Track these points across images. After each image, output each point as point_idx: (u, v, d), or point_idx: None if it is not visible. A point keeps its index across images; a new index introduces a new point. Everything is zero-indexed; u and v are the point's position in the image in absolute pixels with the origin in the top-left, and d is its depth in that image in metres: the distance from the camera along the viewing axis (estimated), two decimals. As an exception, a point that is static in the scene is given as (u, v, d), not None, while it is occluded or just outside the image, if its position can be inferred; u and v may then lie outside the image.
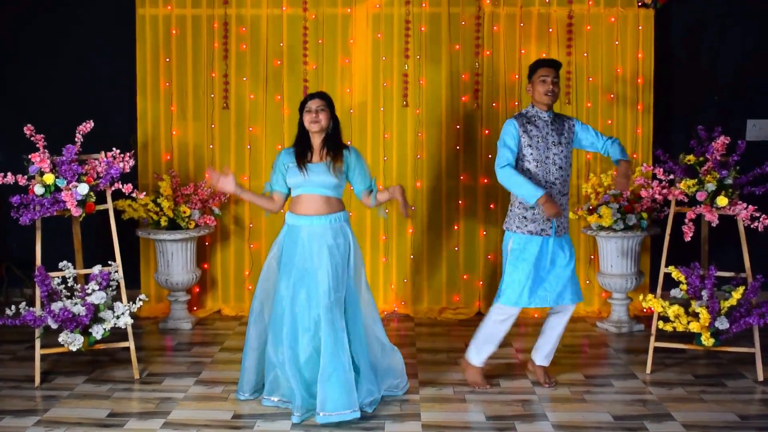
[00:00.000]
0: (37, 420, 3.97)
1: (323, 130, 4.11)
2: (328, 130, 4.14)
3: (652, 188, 4.99)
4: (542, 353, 4.47)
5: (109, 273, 4.58)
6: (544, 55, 5.83)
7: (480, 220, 5.98)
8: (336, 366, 3.90)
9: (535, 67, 4.35)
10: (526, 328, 5.66)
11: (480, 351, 4.41)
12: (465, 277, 6.01)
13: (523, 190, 4.11)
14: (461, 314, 5.96)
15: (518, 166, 4.25)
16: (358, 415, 3.91)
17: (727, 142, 4.66)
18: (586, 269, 5.99)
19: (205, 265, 6.03)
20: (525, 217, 4.25)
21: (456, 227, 5.97)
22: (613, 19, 5.84)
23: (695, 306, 4.54)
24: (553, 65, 4.32)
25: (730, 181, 4.67)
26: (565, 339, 5.36)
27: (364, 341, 4.17)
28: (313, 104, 4.10)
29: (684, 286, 4.62)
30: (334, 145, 4.13)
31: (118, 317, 4.52)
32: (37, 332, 4.48)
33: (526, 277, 4.20)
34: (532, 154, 4.23)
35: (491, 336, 4.37)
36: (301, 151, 4.12)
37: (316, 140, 4.14)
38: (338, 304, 4.00)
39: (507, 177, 4.15)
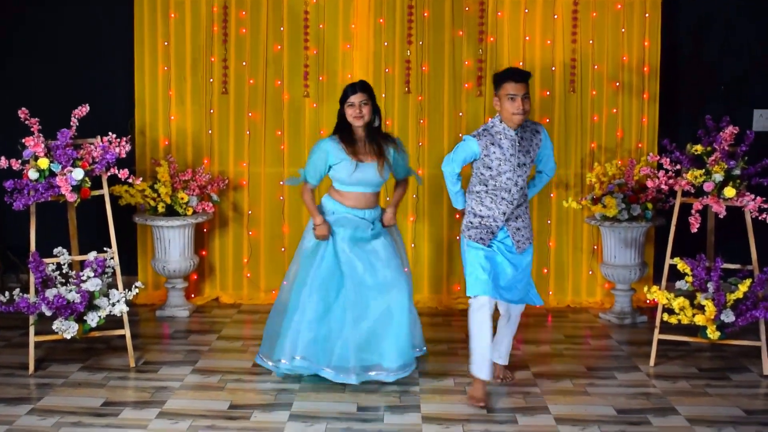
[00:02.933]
0: (30, 408, 3.92)
1: (366, 124, 4.17)
2: (372, 122, 4.20)
3: (658, 178, 4.89)
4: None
5: (105, 259, 4.51)
6: (549, 42, 5.74)
7: (482, 209, 5.90)
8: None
9: (501, 81, 3.89)
10: (527, 318, 5.59)
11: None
12: (466, 266, 5.94)
13: (453, 197, 4.18)
14: (462, 304, 5.89)
15: (478, 176, 4.01)
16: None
17: (735, 132, 4.56)
18: (590, 259, 5.92)
19: (203, 252, 5.96)
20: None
21: (457, 216, 5.89)
22: (619, 6, 5.74)
23: (701, 298, 4.47)
24: (523, 79, 3.85)
25: (737, 171, 4.58)
26: (567, 330, 5.35)
27: None
28: (356, 98, 4.14)
29: (689, 278, 4.55)
30: (378, 143, 4.21)
31: (113, 304, 4.45)
32: (31, 319, 4.41)
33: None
34: (492, 176, 3.95)
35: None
36: (351, 147, 4.19)
37: (359, 132, 4.20)
38: None
39: (448, 178, 4.12)
